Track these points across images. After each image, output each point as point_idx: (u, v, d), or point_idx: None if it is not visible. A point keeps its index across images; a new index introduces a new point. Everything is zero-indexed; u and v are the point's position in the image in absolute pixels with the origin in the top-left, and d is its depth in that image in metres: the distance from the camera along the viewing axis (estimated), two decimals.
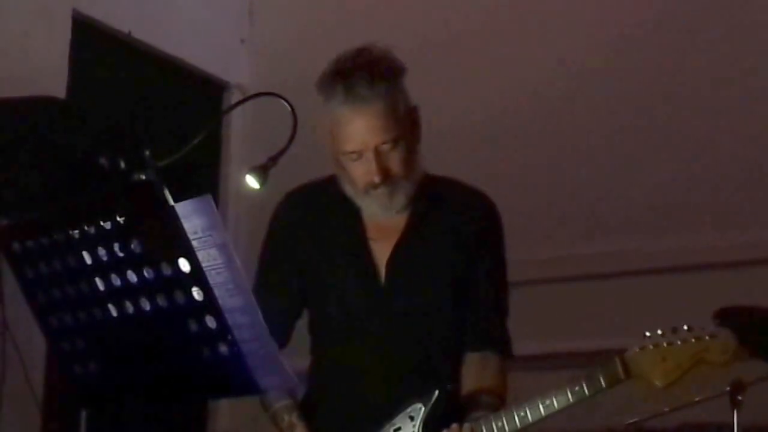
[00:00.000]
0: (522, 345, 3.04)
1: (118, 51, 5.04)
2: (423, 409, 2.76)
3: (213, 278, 2.20)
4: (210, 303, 2.21)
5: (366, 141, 2.80)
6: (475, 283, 2.94)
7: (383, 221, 2.93)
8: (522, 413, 2.68)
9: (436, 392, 2.78)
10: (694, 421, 3.90)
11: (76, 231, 2.30)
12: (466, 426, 2.72)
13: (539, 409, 2.67)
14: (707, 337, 2.55)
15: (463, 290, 2.92)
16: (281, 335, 2.93)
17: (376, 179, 2.81)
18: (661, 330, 2.58)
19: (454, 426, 2.75)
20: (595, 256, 4.57)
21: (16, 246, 2.38)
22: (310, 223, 2.98)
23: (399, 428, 2.78)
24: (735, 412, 2.81)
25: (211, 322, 2.23)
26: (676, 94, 4.69)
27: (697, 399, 2.95)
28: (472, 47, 5.06)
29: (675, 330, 2.58)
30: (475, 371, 2.92)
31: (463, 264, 2.93)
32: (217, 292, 2.20)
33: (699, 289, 4.10)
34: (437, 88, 4.49)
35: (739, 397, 2.72)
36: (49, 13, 4.65)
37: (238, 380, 2.26)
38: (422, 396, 2.78)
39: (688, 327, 2.57)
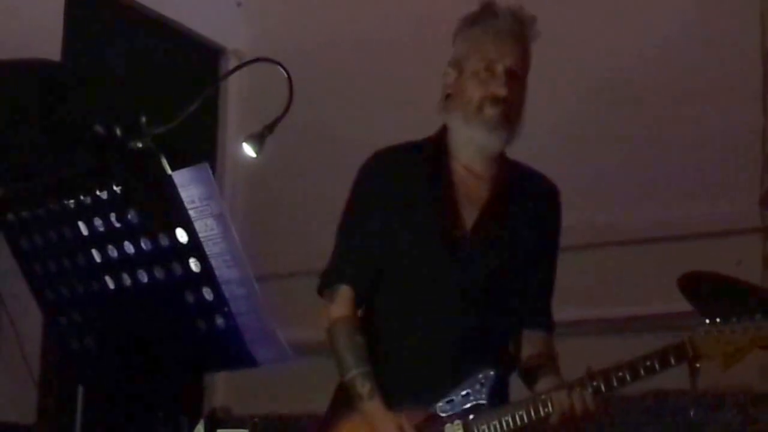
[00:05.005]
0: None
1: (114, 13, 4.97)
2: (493, 376, 2.80)
3: (210, 249, 2.18)
4: (207, 274, 2.20)
5: (503, 52, 2.92)
6: (540, 263, 3.04)
7: (472, 184, 2.97)
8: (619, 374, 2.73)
9: (505, 361, 2.86)
10: (656, 389, 4.01)
11: (72, 201, 2.27)
12: (577, 391, 2.72)
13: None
14: (762, 323, 2.73)
15: (531, 268, 3.01)
16: (369, 290, 2.98)
17: (502, 91, 2.89)
18: (719, 318, 2.75)
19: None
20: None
21: (11, 217, 2.35)
22: (399, 186, 2.99)
23: (468, 393, 2.80)
24: (693, 378, 2.96)
25: (208, 293, 2.21)
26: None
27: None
28: None
29: (738, 317, 2.74)
30: (536, 345, 3.00)
31: (534, 243, 3.01)
32: (213, 262, 2.19)
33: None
34: None
35: (697, 365, 2.81)
36: None
37: (233, 353, 2.24)
38: (491, 364, 2.82)
39: (747, 316, 2.75)
